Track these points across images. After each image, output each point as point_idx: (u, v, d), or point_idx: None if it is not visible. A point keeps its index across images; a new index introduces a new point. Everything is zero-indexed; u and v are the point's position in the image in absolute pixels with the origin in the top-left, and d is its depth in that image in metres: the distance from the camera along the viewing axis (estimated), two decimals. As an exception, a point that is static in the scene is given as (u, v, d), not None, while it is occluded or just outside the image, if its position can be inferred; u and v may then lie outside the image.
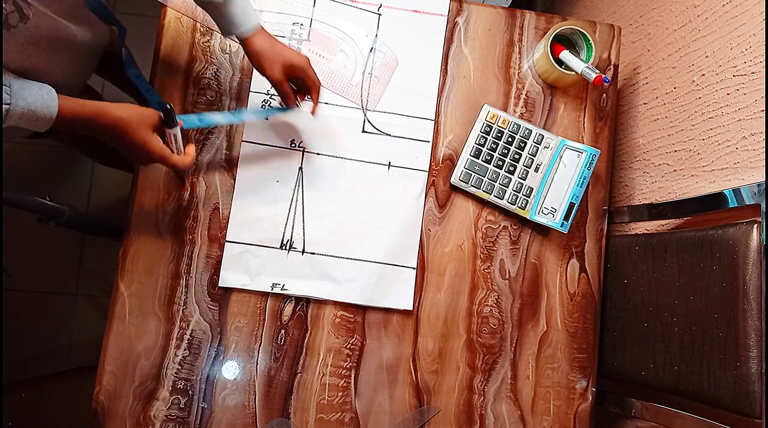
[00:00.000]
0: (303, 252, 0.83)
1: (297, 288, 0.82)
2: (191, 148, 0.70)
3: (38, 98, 0.57)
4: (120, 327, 0.79)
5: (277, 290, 0.81)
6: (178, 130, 0.67)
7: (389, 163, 0.86)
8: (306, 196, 0.84)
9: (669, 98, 0.87)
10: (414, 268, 0.84)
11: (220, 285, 0.81)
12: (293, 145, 0.85)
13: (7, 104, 0.54)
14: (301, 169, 0.84)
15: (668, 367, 0.75)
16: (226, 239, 0.82)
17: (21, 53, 0.59)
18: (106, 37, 0.77)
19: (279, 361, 0.81)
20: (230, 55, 0.86)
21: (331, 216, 0.84)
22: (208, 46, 0.86)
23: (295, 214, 0.83)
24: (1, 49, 0.55)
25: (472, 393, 0.83)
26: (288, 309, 0.82)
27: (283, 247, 0.83)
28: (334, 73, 0.87)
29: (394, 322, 0.83)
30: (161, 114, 0.65)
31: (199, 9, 0.86)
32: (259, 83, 0.85)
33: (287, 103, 0.77)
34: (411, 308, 0.83)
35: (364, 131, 0.86)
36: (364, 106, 0.87)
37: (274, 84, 0.74)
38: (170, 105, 0.66)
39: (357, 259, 0.83)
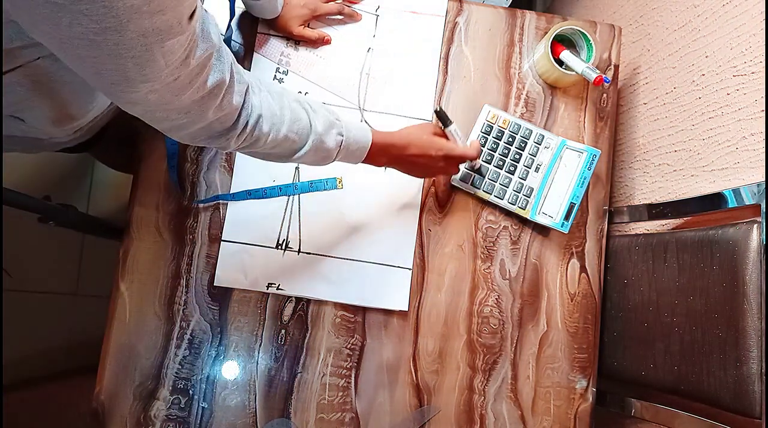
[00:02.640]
0: (299, 252, 0.83)
1: (292, 288, 0.82)
2: (475, 142, 0.81)
3: (359, 131, 0.66)
4: (120, 327, 0.79)
5: (272, 290, 0.81)
6: (454, 127, 0.77)
7: (387, 163, 0.86)
8: (302, 195, 0.84)
9: (669, 98, 0.87)
10: (410, 269, 0.84)
11: (215, 284, 0.81)
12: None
13: (341, 136, 0.63)
14: (297, 168, 0.84)
15: (668, 367, 0.75)
16: (222, 238, 0.82)
17: None
18: None
19: (279, 361, 0.81)
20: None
21: (327, 216, 0.84)
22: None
23: (291, 213, 0.83)
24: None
25: (473, 393, 0.83)
26: (288, 309, 0.82)
27: (279, 247, 0.83)
28: (332, 72, 0.87)
29: (394, 322, 0.83)
30: (437, 118, 0.77)
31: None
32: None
33: (315, 46, 0.87)
34: (406, 309, 0.83)
35: (363, 131, 0.86)
36: (361, 107, 0.87)
37: (300, 38, 0.85)
38: (440, 107, 0.78)
39: (352, 260, 0.83)
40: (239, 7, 0.85)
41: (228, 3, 0.79)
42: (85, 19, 0.33)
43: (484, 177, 0.85)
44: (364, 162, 0.70)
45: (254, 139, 0.57)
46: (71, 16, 0.33)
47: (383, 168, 0.85)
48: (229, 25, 0.81)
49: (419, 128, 0.75)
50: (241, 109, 0.54)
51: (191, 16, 0.40)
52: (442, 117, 0.77)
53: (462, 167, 0.84)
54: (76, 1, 0.32)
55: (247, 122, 0.55)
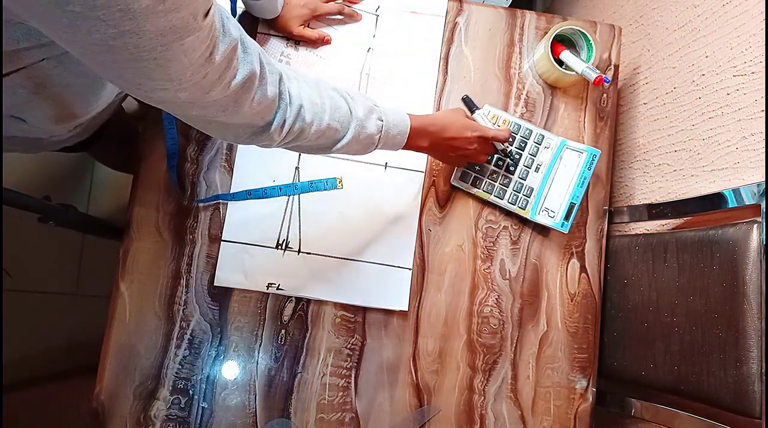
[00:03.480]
0: (299, 252, 0.83)
1: (292, 288, 0.82)
2: (505, 126, 0.83)
3: (397, 115, 0.66)
4: (120, 327, 0.79)
5: (272, 290, 0.81)
6: (482, 112, 0.81)
7: (386, 163, 0.86)
8: (302, 196, 0.84)
9: (669, 98, 0.87)
10: (410, 269, 0.84)
11: (215, 284, 0.81)
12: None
13: (381, 121, 0.63)
14: (297, 168, 0.84)
15: (668, 367, 0.75)
16: (222, 238, 0.82)
17: None
18: None
19: (279, 361, 0.81)
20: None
21: (327, 216, 0.84)
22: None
23: (291, 213, 0.83)
24: None
25: (473, 393, 0.83)
26: (288, 308, 0.82)
27: (279, 247, 0.83)
28: (332, 73, 0.87)
29: (394, 322, 0.83)
30: (463, 105, 0.82)
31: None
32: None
33: (316, 46, 0.87)
34: (406, 309, 0.83)
35: (363, 131, 0.86)
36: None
37: (300, 38, 0.85)
38: (466, 95, 0.82)
39: (352, 260, 0.83)
40: (240, 7, 0.85)
41: (229, 3, 0.79)
42: (102, 25, 0.33)
43: (484, 177, 0.85)
44: (404, 147, 0.69)
45: (299, 130, 0.56)
46: (89, 23, 0.33)
47: (383, 167, 0.85)
48: None
49: (452, 111, 0.76)
50: (279, 100, 0.54)
51: (207, 13, 0.40)
52: (468, 103, 0.80)
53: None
54: (93, 8, 0.32)
55: (287, 113, 0.54)
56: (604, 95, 0.91)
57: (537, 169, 0.86)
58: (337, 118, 0.59)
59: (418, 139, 0.70)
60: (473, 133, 0.74)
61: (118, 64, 0.38)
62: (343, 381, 0.82)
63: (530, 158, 0.86)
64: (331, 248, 0.83)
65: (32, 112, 0.60)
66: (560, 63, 0.85)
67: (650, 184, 0.92)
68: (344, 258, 0.83)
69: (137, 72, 0.39)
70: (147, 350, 0.79)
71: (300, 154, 0.85)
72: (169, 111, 0.48)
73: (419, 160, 0.86)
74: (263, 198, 0.83)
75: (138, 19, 0.34)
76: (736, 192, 0.69)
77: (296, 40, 0.87)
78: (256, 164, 0.84)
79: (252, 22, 0.86)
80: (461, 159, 0.79)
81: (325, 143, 0.60)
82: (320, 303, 0.83)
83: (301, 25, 0.84)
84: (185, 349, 0.80)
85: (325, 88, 0.59)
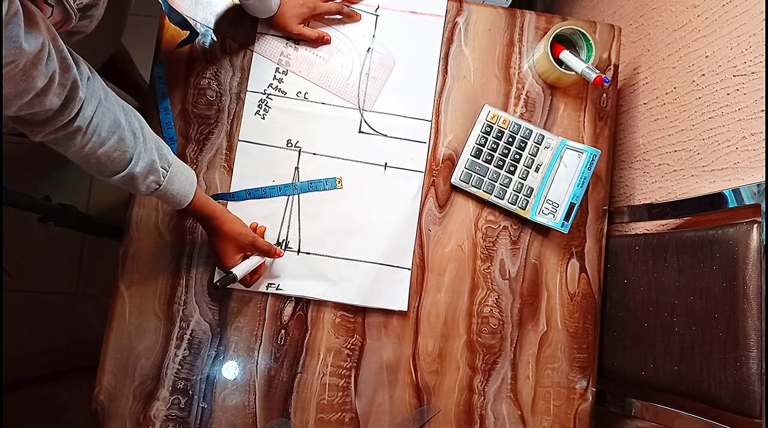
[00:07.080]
0: (298, 252, 0.83)
1: (292, 288, 0.82)
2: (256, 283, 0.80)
3: (184, 187, 0.68)
4: (120, 327, 0.79)
5: (272, 290, 0.81)
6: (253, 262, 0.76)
7: (385, 163, 0.86)
8: (302, 195, 0.84)
9: (669, 98, 0.87)
10: (409, 269, 0.84)
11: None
12: (290, 145, 0.85)
13: (159, 184, 0.65)
14: (297, 168, 0.84)
15: (668, 367, 0.75)
16: (224, 238, 0.82)
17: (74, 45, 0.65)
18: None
19: (279, 361, 0.81)
20: (230, 54, 0.86)
21: (327, 216, 0.84)
22: (209, 46, 0.86)
23: (290, 213, 0.83)
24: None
25: (472, 393, 0.83)
26: (288, 309, 0.82)
27: (279, 247, 0.83)
28: (331, 73, 0.87)
29: (394, 322, 0.83)
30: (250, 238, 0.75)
31: (199, 7, 0.86)
32: (257, 83, 0.85)
33: (315, 45, 0.87)
34: (405, 309, 0.83)
35: (360, 131, 0.86)
36: (361, 107, 0.87)
37: (299, 36, 0.86)
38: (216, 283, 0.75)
39: (352, 260, 0.83)
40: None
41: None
42: None
43: (484, 177, 0.85)
44: (185, 212, 0.72)
45: (70, 143, 0.56)
46: None
47: (383, 167, 0.86)
48: None
49: (237, 235, 0.74)
50: (67, 112, 0.53)
51: None
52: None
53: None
54: None
55: (74, 123, 0.54)
56: (604, 95, 0.91)
57: (537, 169, 0.86)
58: (113, 157, 0.59)
59: (194, 214, 0.73)
60: (225, 261, 0.74)
61: None
62: (343, 381, 0.82)
63: (530, 158, 0.86)
64: (331, 248, 0.83)
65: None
66: (560, 63, 0.85)
67: (650, 184, 0.92)
68: (344, 258, 0.83)
69: None
70: (147, 350, 0.79)
71: (300, 154, 0.85)
72: None
73: (418, 160, 0.86)
74: (263, 198, 0.83)
75: None
76: (736, 192, 0.69)
77: (296, 40, 0.87)
78: (255, 164, 0.84)
79: (252, 22, 0.86)
80: (224, 249, 0.75)
81: (91, 168, 0.61)
82: (320, 303, 0.83)
83: (300, 23, 0.84)
84: (185, 349, 0.80)
85: (127, 127, 0.60)
